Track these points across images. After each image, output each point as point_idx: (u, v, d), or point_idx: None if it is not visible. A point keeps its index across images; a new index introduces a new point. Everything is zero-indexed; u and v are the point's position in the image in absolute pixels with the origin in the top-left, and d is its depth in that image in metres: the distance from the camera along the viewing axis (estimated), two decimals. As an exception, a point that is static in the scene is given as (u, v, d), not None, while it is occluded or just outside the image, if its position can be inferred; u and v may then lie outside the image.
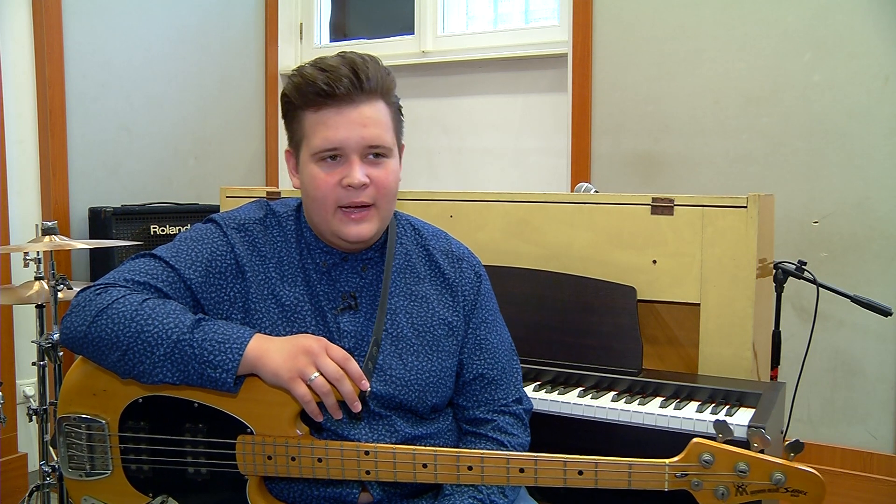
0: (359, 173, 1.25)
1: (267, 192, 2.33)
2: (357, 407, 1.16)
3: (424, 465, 1.19)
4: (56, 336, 2.18)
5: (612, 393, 1.74)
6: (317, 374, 1.14)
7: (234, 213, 1.38)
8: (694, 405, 1.66)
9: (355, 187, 1.26)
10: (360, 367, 1.18)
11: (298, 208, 1.40)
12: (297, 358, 1.15)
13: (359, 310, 1.34)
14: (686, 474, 1.13)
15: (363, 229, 1.28)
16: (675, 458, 1.14)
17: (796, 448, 1.10)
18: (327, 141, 1.25)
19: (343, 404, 1.17)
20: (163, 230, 3.05)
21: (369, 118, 1.26)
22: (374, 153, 1.28)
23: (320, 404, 1.17)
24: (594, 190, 2.16)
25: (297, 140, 1.31)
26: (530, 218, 2.05)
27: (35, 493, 2.25)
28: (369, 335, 1.32)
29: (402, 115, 1.36)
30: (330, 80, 1.24)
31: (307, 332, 1.30)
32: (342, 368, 1.16)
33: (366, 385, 1.16)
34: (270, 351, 1.17)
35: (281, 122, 1.41)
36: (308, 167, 1.28)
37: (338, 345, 1.22)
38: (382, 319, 1.32)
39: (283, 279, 1.33)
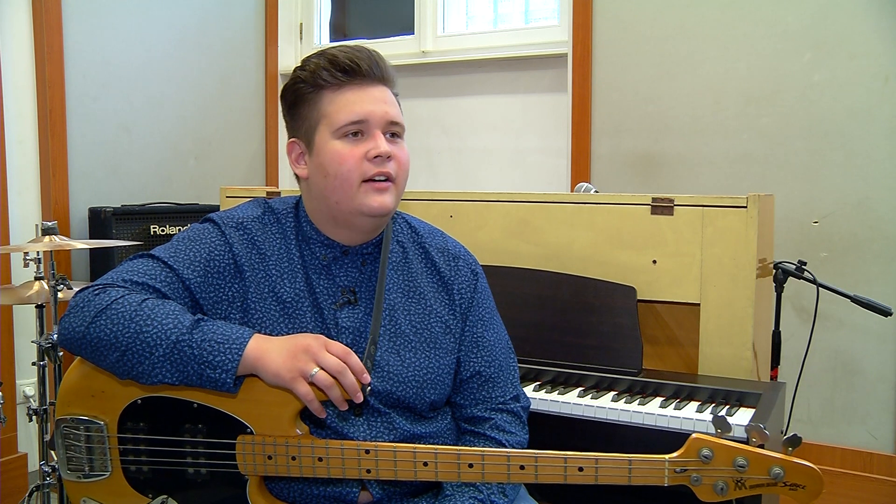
0: (385, 144, 1.29)
1: (267, 192, 2.33)
2: (359, 398, 1.16)
3: (425, 464, 1.19)
4: (56, 336, 2.18)
5: (612, 393, 1.74)
6: (317, 369, 1.15)
7: (232, 212, 1.38)
8: (694, 405, 1.66)
9: (382, 157, 1.28)
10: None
11: (297, 205, 1.40)
12: (297, 357, 1.16)
13: (358, 305, 1.34)
14: (686, 469, 1.14)
15: (386, 199, 1.30)
16: (675, 454, 1.14)
17: (794, 442, 1.10)
18: (353, 114, 1.28)
19: (363, 411, 1.17)
20: (163, 230, 3.05)
21: (388, 98, 1.32)
22: (393, 132, 1.32)
23: (325, 402, 1.17)
24: (594, 190, 2.16)
25: (311, 125, 1.31)
26: (530, 218, 2.05)
27: (35, 493, 2.25)
28: (367, 331, 1.33)
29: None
30: (352, 57, 1.29)
31: (306, 329, 1.31)
32: (343, 362, 1.16)
33: (367, 378, 1.17)
34: (270, 352, 1.17)
35: (282, 122, 1.41)
36: (329, 145, 1.29)
37: (336, 341, 1.22)
38: (380, 316, 1.33)
39: (282, 275, 1.33)
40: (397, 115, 1.32)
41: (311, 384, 1.15)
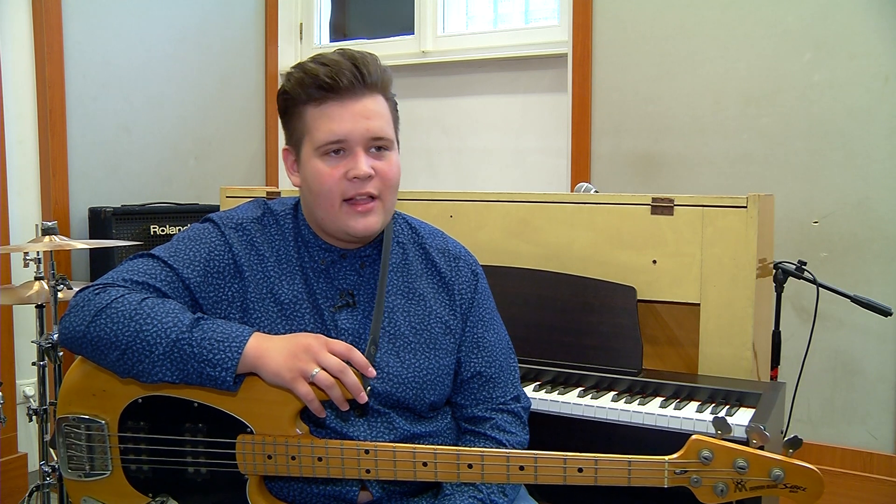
0: (364, 164, 1.26)
1: (267, 192, 2.33)
2: (363, 398, 1.15)
3: (424, 464, 1.19)
4: (56, 336, 2.18)
5: (612, 393, 1.74)
6: (318, 369, 1.14)
7: (232, 213, 1.38)
8: (694, 405, 1.66)
9: (361, 179, 1.26)
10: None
11: (296, 207, 1.40)
12: (298, 356, 1.15)
13: (357, 307, 1.34)
14: (685, 471, 1.13)
15: (370, 221, 1.28)
16: (675, 455, 1.14)
17: (795, 444, 1.10)
18: (332, 133, 1.26)
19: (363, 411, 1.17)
20: (163, 230, 3.05)
21: (372, 111, 1.28)
22: (377, 146, 1.29)
23: (326, 402, 1.17)
24: (594, 190, 2.16)
25: (298, 136, 1.31)
26: (530, 218, 2.05)
27: (35, 493, 2.25)
28: (367, 333, 1.32)
29: (398, 112, 1.36)
30: (332, 73, 1.25)
31: (305, 330, 1.31)
32: (346, 360, 1.16)
33: (372, 372, 1.17)
34: (270, 350, 1.17)
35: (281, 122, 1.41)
36: (311, 162, 1.28)
37: None
38: (380, 317, 1.32)
39: (281, 277, 1.33)
40: (380, 129, 1.28)
41: (312, 384, 1.15)
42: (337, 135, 1.26)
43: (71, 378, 1.31)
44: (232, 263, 1.32)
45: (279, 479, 1.28)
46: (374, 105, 1.28)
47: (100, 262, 2.96)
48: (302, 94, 1.27)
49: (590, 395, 1.71)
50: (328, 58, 1.28)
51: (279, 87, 1.35)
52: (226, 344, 1.17)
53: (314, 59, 1.29)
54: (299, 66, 1.30)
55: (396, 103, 1.35)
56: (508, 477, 1.19)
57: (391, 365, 1.32)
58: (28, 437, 2.89)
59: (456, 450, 1.21)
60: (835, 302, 2.31)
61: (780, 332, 2.07)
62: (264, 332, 1.26)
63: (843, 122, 2.66)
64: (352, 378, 1.15)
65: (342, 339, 1.30)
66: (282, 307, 1.32)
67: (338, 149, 1.27)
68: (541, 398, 1.70)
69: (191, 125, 3.48)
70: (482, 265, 1.51)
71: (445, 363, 1.37)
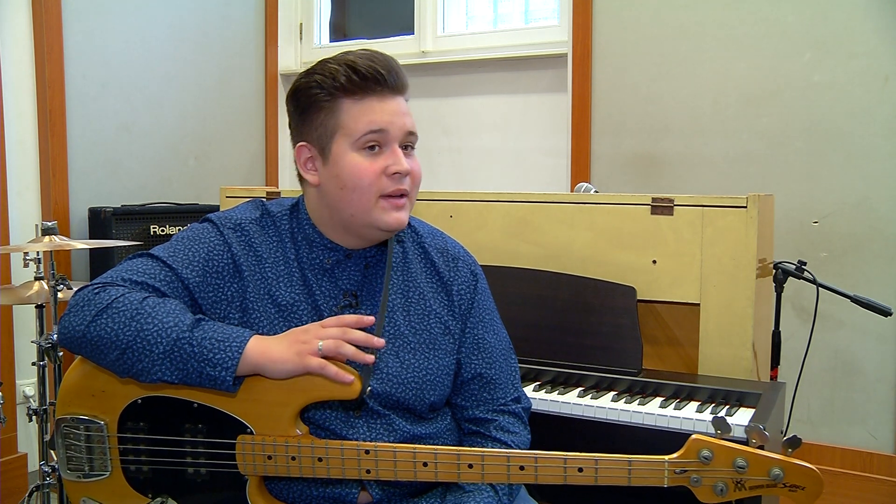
0: (405, 161, 1.28)
1: (267, 193, 2.33)
2: (377, 342, 1.18)
3: (425, 464, 1.19)
4: (56, 336, 2.18)
5: (612, 393, 1.74)
6: (321, 342, 1.16)
7: (231, 213, 1.37)
8: (694, 405, 1.66)
9: (403, 175, 1.27)
10: (359, 370, 1.20)
11: (293, 207, 1.39)
12: (299, 339, 1.18)
13: (359, 308, 1.34)
14: (685, 470, 1.14)
15: (402, 216, 1.30)
16: (675, 455, 1.14)
17: (794, 443, 1.10)
18: (374, 124, 1.26)
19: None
20: (163, 230, 3.05)
21: (406, 109, 1.31)
22: (408, 143, 1.31)
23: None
24: (594, 190, 2.16)
25: (328, 132, 1.28)
26: (530, 218, 2.05)
27: (35, 493, 2.25)
28: (369, 333, 1.32)
29: None
30: (373, 67, 1.25)
31: None
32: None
33: (369, 320, 1.21)
34: (271, 346, 1.18)
35: (282, 122, 1.40)
36: (348, 157, 1.27)
37: None
38: (383, 318, 1.32)
39: (279, 279, 1.33)
40: (414, 125, 1.31)
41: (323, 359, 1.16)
42: (379, 125, 1.26)
43: (70, 378, 1.31)
44: (231, 263, 1.32)
45: (279, 480, 1.28)
46: (405, 105, 1.31)
47: (100, 262, 2.96)
48: (339, 87, 1.26)
49: (590, 395, 1.71)
50: (364, 51, 1.28)
51: (298, 83, 1.31)
52: (226, 344, 1.17)
53: (352, 54, 1.28)
54: (335, 60, 1.28)
55: None
56: (509, 477, 1.19)
57: (391, 365, 1.32)
58: (28, 437, 2.89)
59: (456, 450, 1.21)
60: (835, 302, 2.31)
61: (779, 332, 2.07)
62: (264, 333, 1.26)
63: (843, 122, 2.66)
64: (357, 333, 1.18)
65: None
66: (280, 309, 1.31)
67: (375, 143, 1.27)
68: (541, 398, 1.70)
69: (191, 125, 3.48)
70: (482, 265, 1.51)
71: (445, 363, 1.37)
